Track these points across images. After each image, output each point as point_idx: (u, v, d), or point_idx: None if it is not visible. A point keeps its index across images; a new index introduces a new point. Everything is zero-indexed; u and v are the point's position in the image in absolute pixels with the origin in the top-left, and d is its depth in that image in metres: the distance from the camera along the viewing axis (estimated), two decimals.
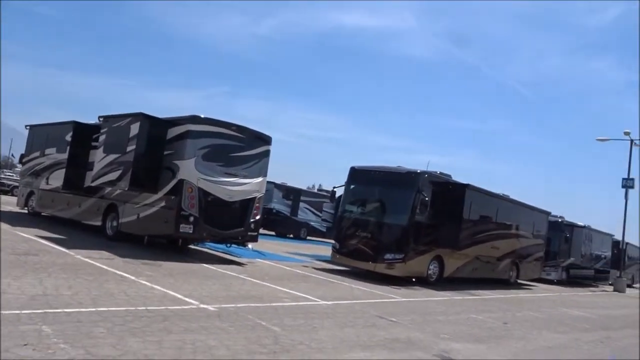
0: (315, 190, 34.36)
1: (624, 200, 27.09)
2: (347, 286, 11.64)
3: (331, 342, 6.14)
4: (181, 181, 11.32)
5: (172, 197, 11.37)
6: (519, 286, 19.38)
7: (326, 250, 23.91)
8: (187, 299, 7.25)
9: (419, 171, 14.10)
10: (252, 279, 10.29)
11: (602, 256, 28.36)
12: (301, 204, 31.11)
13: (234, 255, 13.75)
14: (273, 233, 31.34)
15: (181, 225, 11.24)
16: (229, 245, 13.09)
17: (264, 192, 12.96)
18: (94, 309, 5.86)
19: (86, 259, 9.44)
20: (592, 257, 26.96)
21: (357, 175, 15.08)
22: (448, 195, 14.61)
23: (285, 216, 30.57)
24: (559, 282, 24.55)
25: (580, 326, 11.19)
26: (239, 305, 7.43)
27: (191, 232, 11.45)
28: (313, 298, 9.16)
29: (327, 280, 12.11)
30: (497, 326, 9.33)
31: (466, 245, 15.39)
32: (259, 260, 14.18)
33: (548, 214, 21.08)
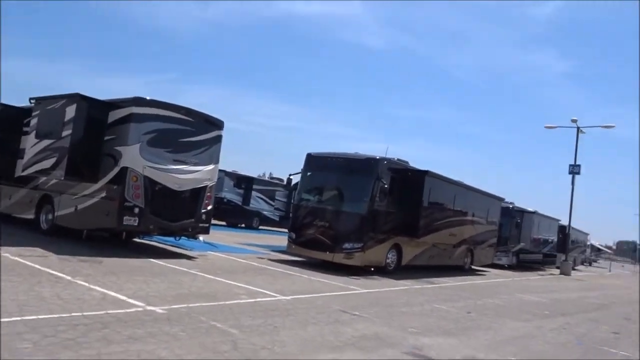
0: (268, 179, 33.54)
1: (571, 186, 27.92)
2: (305, 278, 11.08)
3: (295, 344, 5.55)
4: (124, 169, 10.36)
5: (115, 187, 10.40)
6: (473, 272, 19.46)
7: (280, 240, 23.29)
8: (130, 301, 6.46)
9: (377, 157, 13.67)
10: (204, 274, 9.54)
11: (549, 240, 29.18)
12: (253, 193, 30.28)
13: (183, 249, 12.90)
14: (224, 223, 30.43)
15: (125, 218, 10.31)
16: (178, 238, 12.23)
17: (215, 180, 12.16)
18: (19, 318, 5.01)
19: (16, 258, 8.42)
20: (540, 242, 27.67)
21: (314, 162, 14.50)
22: (407, 182, 14.29)
23: (236, 205, 29.70)
24: (509, 267, 25.01)
25: (540, 313, 11.11)
26: (190, 305, 6.71)
27: (136, 224, 10.53)
28: (271, 293, 8.53)
29: (284, 273, 11.51)
30: (462, 316, 9.03)
31: (425, 233, 15.16)
32: (210, 252, 13.40)
33: (502, 200, 21.29)
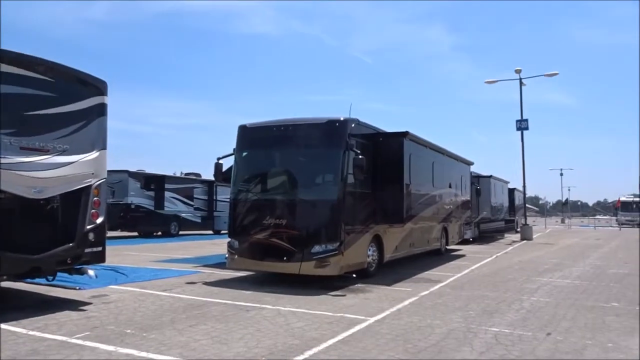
0: (182, 175, 28.53)
1: (520, 143, 25.67)
2: (271, 315, 6.92)
3: None
4: None
5: None
6: (453, 255, 16.21)
7: (208, 247, 18.76)
8: None
9: (342, 118, 9.67)
10: (98, 345, 5.12)
11: (504, 205, 26.92)
12: (167, 194, 25.34)
13: (67, 287, 8.09)
14: (136, 234, 25.30)
15: None
16: (51, 278, 7.46)
17: (104, 175, 7.57)
18: None
19: None
20: (498, 209, 25.25)
21: (251, 137, 10.24)
22: (381, 150, 10.51)
23: (148, 211, 24.69)
24: (473, 240, 22.21)
25: (594, 298, 7.79)
26: None
27: None
28: None
29: (237, 309, 7.26)
30: (548, 344, 5.36)
31: (410, 217, 11.51)
32: (113, 287, 8.84)
33: (471, 164, 18.16)
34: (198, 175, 28.90)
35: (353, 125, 9.75)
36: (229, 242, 9.92)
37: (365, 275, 10.15)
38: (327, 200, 9.29)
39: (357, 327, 6.16)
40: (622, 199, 48.99)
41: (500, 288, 9.50)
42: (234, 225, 9.97)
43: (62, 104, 7.01)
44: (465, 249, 18.92)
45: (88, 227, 7.15)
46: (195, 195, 27.61)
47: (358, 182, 9.63)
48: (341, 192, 9.20)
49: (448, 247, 16.76)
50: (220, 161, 10.42)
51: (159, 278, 10.06)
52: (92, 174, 7.26)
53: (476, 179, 22.16)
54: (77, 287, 8.05)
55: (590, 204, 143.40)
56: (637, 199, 49.04)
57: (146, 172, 25.30)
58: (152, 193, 24.93)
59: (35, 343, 5.24)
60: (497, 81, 26.77)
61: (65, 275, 7.55)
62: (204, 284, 9.45)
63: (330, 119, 9.62)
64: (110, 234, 23.18)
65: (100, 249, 7.45)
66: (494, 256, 16.27)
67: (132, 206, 23.97)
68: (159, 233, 25.71)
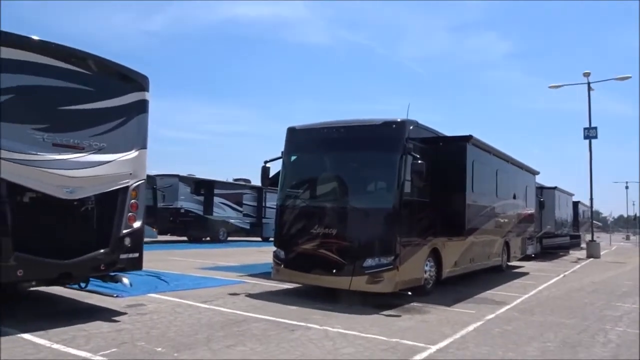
0: (231, 181, 28.35)
1: (589, 153, 23.86)
2: (318, 337, 6.15)
3: None
4: None
5: None
6: (514, 273, 14.96)
7: (255, 255, 18.25)
8: None
9: (400, 120, 8.84)
10: None
11: (568, 220, 25.11)
12: (216, 199, 25.17)
13: (104, 294, 7.64)
14: (185, 238, 25.22)
15: None
16: (83, 284, 7.00)
17: (143, 176, 7.07)
18: None
19: None
20: (562, 223, 23.53)
21: (301, 140, 9.57)
22: (442, 156, 9.58)
23: (197, 216, 24.56)
24: (535, 257, 20.67)
25: None
26: None
27: None
28: None
29: (279, 328, 6.54)
30: None
31: (472, 230, 10.49)
32: (152, 295, 8.34)
33: (537, 173, 16.81)
34: (247, 181, 28.64)
35: (411, 127, 8.90)
36: (274, 252, 9.25)
37: (421, 292, 9.23)
38: (381, 208, 8.46)
39: (416, 358, 5.29)
40: None
41: (578, 314, 8.34)
42: (280, 234, 9.30)
43: (100, 99, 6.56)
44: (527, 266, 17.52)
45: (124, 231, 6.64)
46: (244, 201, 27.34)
47: (416, 189, 8.76)
48: (397, 200, 8.36)
49: (509, 264, 15.50)
50: (268, 164, 9.80)
51: (201, 287, 9.51)
52: (130, 174, 6.76)
53: (539, 190, 20.67)
54: (115, 295, 7.58)
55: None
56: None
57: (196, 177, 25.23)
58: (201, 198, 24.83)
59: (53, 350, 4.70)
60: (562, 85, 25.06)
61: (98, 282, 7.08)
62: (246, 295, 8.81)
63: (386, 120, 8.81)
64: (159, 237, 23.23)
65: (137, 255, 6.94)
66: (561, 275, 14.87)
67: (182, 210, 23.91)
68: (207, 238, 25.55)
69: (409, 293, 8.80)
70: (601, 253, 24.40)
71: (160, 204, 22.88)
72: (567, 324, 7.43)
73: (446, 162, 9.63)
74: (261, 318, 6.96)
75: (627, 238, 58.42)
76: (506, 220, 13.59)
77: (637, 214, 68.87)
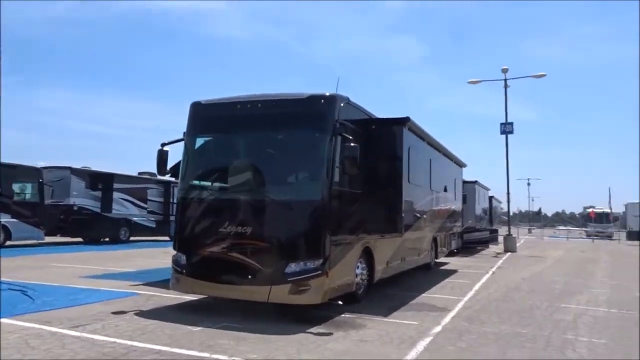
0: (135, 174, 25.59)
1: (505, 148, 23.90)
2: None
3: None
4: None
5: None
6: (443, 271, 14.08)
7: (159, 257, 15.96)
8: None
9: (329, 94, 7.33)
10: None
11: (486, 214, 25.11)
12: (115, 195, 22.52)
13: None
14: (80, 239, 22.33)
15: None
16: None
17: None
18: None
19: None
20: (481, 217, 23.40)
21: (208, 117, 7.78)
22: (376, 140, 8.22)
23: (93, 213, 21.79)
24: (457, 252, 20.17)
25: None
26: None
27: None
28: None
29: None
30: None
31: (407, 225, 9.25)
32: (5, 320, 6.22)
33: (464, 166, 16.08)
34: (153, 174, 25.98)
35: (342, 104, 7.43)
36: (173, 257, 7.42)
37: (352, 299, 7.82)
38: (307, 201, 6.91)
39: None
40: (596, 210, 48.48)
41: (529, 321, 7.31)
42: (182, 234, 7.49)
43: None
44: (452, 262, 16.84)
45: None
46: (149, 197, 24.77)
47: (347, 178, 7.32)
48: (326, 191, 6.85)
49: (437, 261, 14.63)
50: (166, 147, 7.91)
51: (77, 304, 7.44)
52: None
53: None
54: None
55: (549, 214, 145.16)
56: (609, 211, 48.68)
57: (92, 169, 22.36)
58: (98, 194, 22.03)
59: None
60: (480, 81, 24.94)
61: None
62: (136, 314, 6.89)
63: (313, 94, 7.26)
64: (47, 239, 20.23)
65: None
66: (490, 272, 14.18)
67: (75, 208, 21.01)
68: (107, 239, 22.79)
69: (340, 303, 7.33)
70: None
71: (48, 201, 19.95)
72: (525, 335, 6.31)
73: (380, 148, 8.32)
74: (150, 349, 5.15)
75: (530, 231, 62.57)
76: (437, 214, 12.62)
77: (540, 209, 74.43)
